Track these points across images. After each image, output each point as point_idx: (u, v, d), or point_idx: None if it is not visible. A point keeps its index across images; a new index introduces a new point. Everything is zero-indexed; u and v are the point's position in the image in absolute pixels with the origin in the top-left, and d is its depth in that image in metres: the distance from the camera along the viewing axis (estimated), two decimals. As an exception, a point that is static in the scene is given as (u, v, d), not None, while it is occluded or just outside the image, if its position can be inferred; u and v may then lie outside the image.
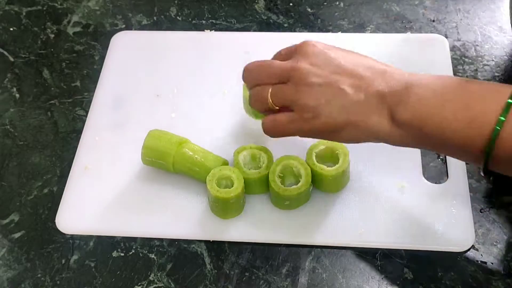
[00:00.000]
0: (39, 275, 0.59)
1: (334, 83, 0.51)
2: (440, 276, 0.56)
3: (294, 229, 0.59)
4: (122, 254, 0.60)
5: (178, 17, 0.81)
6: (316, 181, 0.60)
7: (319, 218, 0.60)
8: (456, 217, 0.59)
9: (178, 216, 0.61)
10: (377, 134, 0.50)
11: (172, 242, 0.60)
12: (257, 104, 0.56)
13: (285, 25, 0.79)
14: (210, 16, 0.81)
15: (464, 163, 0.62)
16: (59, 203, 0.63)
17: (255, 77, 0.56)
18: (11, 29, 0.81)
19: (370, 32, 0.77)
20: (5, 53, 0.79)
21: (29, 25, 0.82)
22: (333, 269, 0.57)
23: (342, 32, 0.77)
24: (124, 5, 0.83)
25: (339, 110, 0.50)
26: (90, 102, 0.72)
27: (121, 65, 0.75)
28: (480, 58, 0.73)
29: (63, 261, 0.60)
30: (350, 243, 0.58)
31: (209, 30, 0.79)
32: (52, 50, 0.79)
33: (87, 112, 0.71)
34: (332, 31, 0.77)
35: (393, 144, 0.51)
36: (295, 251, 0.59)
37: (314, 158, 0.60)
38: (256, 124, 0.66)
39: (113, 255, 0.60)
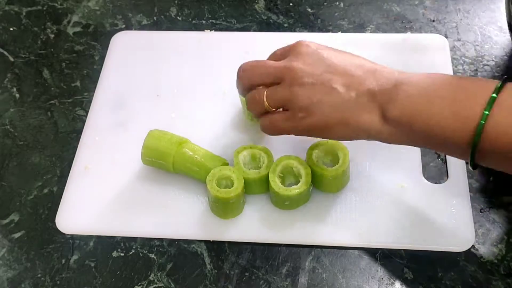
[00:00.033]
0: (39, 275, 0.59)
1: (326, 82, 0.52)
2: (440, 276, 0.56)
3: (294, 229, 0.59)
4: (122, 254, 0.60)
5: (178, 17, 0.81)
6: (316, 181, 0.60)
7: (319, 218, 0.60)
8: (456, 217, 0.59)
9: (178, 216, 0.61)
10: (369, 132, 0.52)
11: (172, 242, 0.60)
12: (254, 108, 0.57)
13: (285, 25, 0.79)
14: (210, 16, 0.81)
15: (464, 163, 0.62)
16: (59, 203, 0.63)
17: (249, 77, 0.57)
18: (11, 29, 0.81)
19: (370, 32, 0.77)
20: (5, 53, 0.79)
21: (29, 25, 0.82)
22: (333, 269, 0.57)
23: (342, 32, 0.77)
24: (124, 5, 0.83)
25: (331, 108, 0.52)
26: (90, 102, 0.72)
27: (121, 65, 0.75)
28: (480, 58, 0.73)
29: (63, 261, 0.60)
30: (350, 243, 0.58)
31: (209, 30, 0.79)
32: (52, 50, 0.79)
33: (87, 112, 0.71)
34: (332, 31, 0.77)
35: (385, 142, 0.52)
36: (295, 251, 0.59)
37: (314, 158, 0.60)
38: (256, 124, 0.67)
39: (113, 255, 0.60)
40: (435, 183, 0.62)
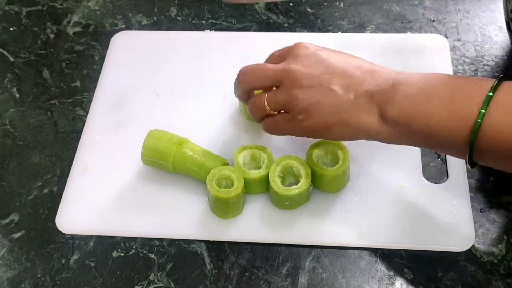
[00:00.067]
0: (39, 275, 0.59)
1: (325, 84, 0.53)
2: (440, 276, 0.56)
3: (294, 229, 0.59)
4: (122, 254, 0.60)
5: (178, 17, 0.81)
6: (316, 181, 0.60)
7: (319, 218, 0.60)
8: (456, 217, 0.59)
9: (178, 216, 0.61)
10: (368, 132, 0.53)
11: (172, 242, 0.60)
12: (256, 113, 0.58)
13: (285, 25, 0.79)
14: (210, 16, 0.81)
15: (464, 163, 0.62)
16: (59, 203, 0.63)
17: (249, 81, 0.57)
18: (11, 29, 0.81)
19: (370, 32, 0.77)
20: (5, 53, 0.79)
21: (29, 25, 0.82)
22: (333, 269, 0.57)
23: (342, 32, 0.77)
24: (124, 5, 0.83)
25: (330, 109, 0.53)
26: (90, 102, 0.72)
27: (121, 65, 0.75)
28: (480, 58, 0.73)
29: (63, 261, 0.60)
30: (350, 243, 0.58)
31: (209, 30, 0.79)
32: (52, 50, 0.79)
33: (87, 112, 0.71)
34: (332, 31, 0.77)
35: (384, 142, 0.53)
36: (295, 251, 0.59)
37: (314, 158, 0.60)
38: (256, 124, 0.67)
39: (113, 255, 0.60)
40: (435, 183, 0.62)
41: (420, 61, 0.71)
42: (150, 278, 0.58)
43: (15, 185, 0.66)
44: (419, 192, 0.61)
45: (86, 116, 0.70)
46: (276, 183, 0.58)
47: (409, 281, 0.56)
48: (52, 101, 0.73)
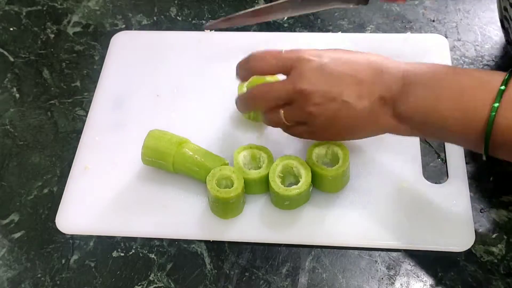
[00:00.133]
0: (39, 275, 0.59)
1: (338, 97, 0.53)
2: (440, 276, 0.56)
3: (294, 229, 0.59)
4: (122, 254, 0.60)
5: (178, 17, 0.81)
6: (316, 181, 0.60)
7: (319, 218, 0.60)
8: (456, 217, 0.59)
9: (178, 216, 0.61)
10: (386, 131, 0.55)
11: (172, 242, 0.60)
12: (273, 125, 0.59)
13: (285, 25, 0.79)
14: (210, 16, 0.81)
15: (464, 163, 0.62)
16: (59, 203, 0.63)
17: (261, 104, 0.58)
18: (11, 29, 0.81)
19: (370, 32, 0.77)
20: (5, 53, 0.79)
21: (29, 25, 0.82)
22: (333, 269, 0.57)
23: (342, 32, 0.77)
24: (124, 5, 0.83)
25: (348, 121, 0.54)
26: (90, 102, 0.72)
27: (121, 65, 0.75)
28: (480, 58, 0.73)
29: (63, 261, 0.60)
30: (350, 243, 0.58)
31: (209, 30, 0.79)
32: (52, 50, 0.79)
33: (87, 112, 0.71)
34: (332, 31, 0.77)
35: (402, 135, 0.55)
36: (295, 251, 0.59)
37: (314, 158, 0.60)
38: (256, 124, 0.67)
39: (113, 255, 0.60)
40: (435, 183, 0.62)
41: (420, 61, 0.71)
42: (150, 278, 0.58)
43: (15, 185, 0.66)
44: (419, 192, 0.61)
45: (86, 116, 0.70)
46: (276, 183, 0.58)
47: (409, 281, 0.56)
48: (52, 101, 0.73)
